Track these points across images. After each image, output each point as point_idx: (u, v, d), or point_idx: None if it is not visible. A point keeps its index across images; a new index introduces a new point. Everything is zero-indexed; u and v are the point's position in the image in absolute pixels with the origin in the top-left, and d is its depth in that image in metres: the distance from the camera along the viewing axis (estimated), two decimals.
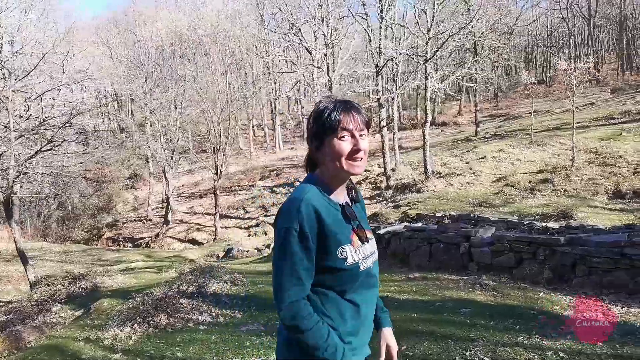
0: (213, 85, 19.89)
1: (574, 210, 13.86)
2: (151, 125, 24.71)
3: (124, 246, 23.75)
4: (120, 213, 29.50)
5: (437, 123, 39.17)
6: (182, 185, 33.21)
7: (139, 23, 35.43)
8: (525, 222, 11.48)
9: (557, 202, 15.18)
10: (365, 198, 19.25)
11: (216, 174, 20.91)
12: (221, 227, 23.31)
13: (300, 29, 24.54)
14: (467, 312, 4.78)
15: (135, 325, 5.57)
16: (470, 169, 19.62)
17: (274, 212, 25.01)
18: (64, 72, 20.18)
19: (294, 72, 24.22)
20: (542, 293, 5.36)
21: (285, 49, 28.79)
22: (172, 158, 22.67)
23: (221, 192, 28.41)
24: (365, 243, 1.65)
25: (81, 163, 28.33)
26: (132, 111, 40.38)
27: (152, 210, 27.05)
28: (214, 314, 5.77)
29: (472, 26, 17.78)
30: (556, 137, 21.26)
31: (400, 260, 7.49)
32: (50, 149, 18.53)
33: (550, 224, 11.00)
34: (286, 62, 31.99)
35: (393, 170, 22.38)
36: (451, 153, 23.17)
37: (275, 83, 36.95)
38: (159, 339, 5.17)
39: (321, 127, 1.54)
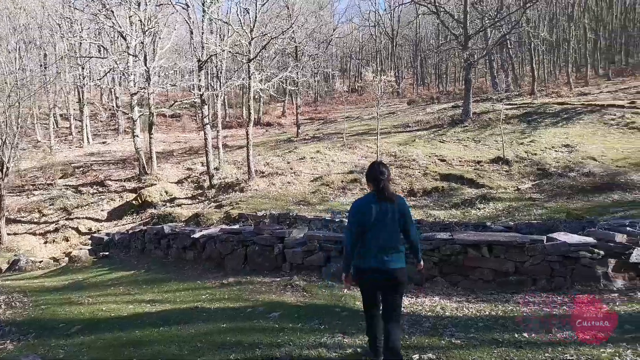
0: None
1: None
2: None
3: None
4: None
5: (262, 123, 39.83)
6: None
7: None
8: (337, 220, 12.39)
9: None
10: (186, 198, 18.23)
11: (1, 171, 17.46)
12: (8, 234, 19.63)
13: (113, 12, 22.21)
14: (276, 316, 4.77)
15: None
16: (291, 169, 20.38)
17: (79, 214, 22.07)
18: None
19: (104, 58, 21.74)
20: (346, 290, 5.69)
21: (95, 32, 25.68)
22: None
23: (10, 193, 24.00)
24: None
25: None
26: None
27: None
28: None
29: (292, 31, 18.44)
30: (364, 141, 23.54)
31: (216, 265, 7.22)
32: None
33: None
34: (98, 47, 28.74)
35: (217, 169, 21.90)
36: (274, 153, 23.76)
37: (83, 69, 32.73)
38: None
39: None
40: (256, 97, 42.68)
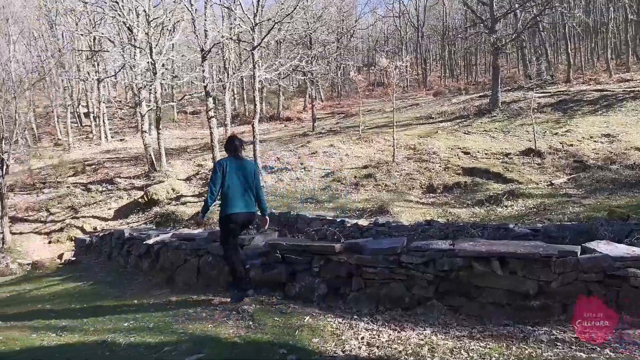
0: None
1: (391, 205, 13.96)
2: None
3: None
4: None
5: (282, 118, 38.72)
6: None
7: None
8: (338, 220, 10.98)
9: (378, 197, 15.28)
10: (193, 195, 17.23)
11: (1, 168, 16.88)
12: (15, 233, 19.15)
13: (117, 2, 21.41)
14: None
15: None
16: (302, 163, 19.10)
17: (86, 212, 21.46)
18: None
19: (106, 51, 20.98)
20: (308, 317, 4.32)
21: (100, 25, 25.02)
22: None
23: (20, 191, 23.71)
24: None
25: None
26: None
27: None
28: None
29: (294, 15, 17.03)
30: (382, 134, 21.98)
31: (167, 278, 5.97)
32: None
33: (361, 221, 10.63)
34: (108, 40, 28.12)
35: None
36: (286, 147, 22.51)
37: (98, 65, 32.38)
38: None
39: None
40: (277, 91, 41.91)
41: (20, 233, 19.39)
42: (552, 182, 14.72)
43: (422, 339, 3.90)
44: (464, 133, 21.20)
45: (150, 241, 6.35)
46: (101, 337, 4.17)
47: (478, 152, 18.46)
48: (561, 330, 3.93)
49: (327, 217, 11.33)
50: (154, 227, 14.23)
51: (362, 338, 3.94)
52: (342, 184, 16.89)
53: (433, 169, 17.33)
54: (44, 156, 29.61)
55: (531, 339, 3.81)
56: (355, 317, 4.43)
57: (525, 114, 20.77)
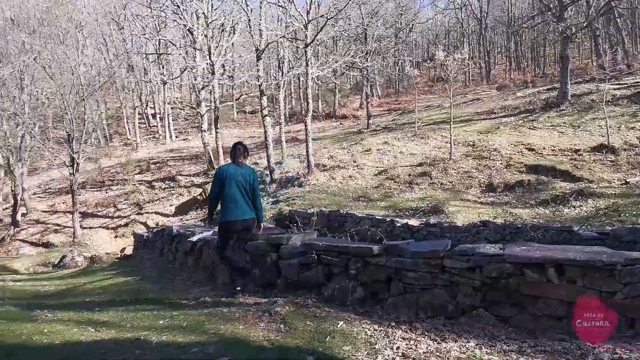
0: (65, 62, 16.93)
1: (446, 204, 13.41)
2: None
3: None
4: None
5: (338, 115, 38.66)
6: (52, 180, 29.16)
7: None
8: (387, 220, 10.65)
9: (433, 196, 14.74)
10: None
11: (72, 166, 18.02)
12: (84, 228, 20.42)
13: (179, 6, 22.24)
14: None
15: None
16: (354, 161, 18.83)
17: (149, 209, 22.49)
18: None
19: (168, 54, 21.78)
20: (342, 322, 4.11)
21: (165, 28, 26.07)
22: (20, 147, 19.26)
23: (91, 188, 25.30)
24: None
25: None
26: None
27: (4, 209, 23.15)
28: None
29: (348, 11, 16.73)
30: (439, 130, 21.21)
31: (208, 277, 5.98)
32: None
33: (412, 221, 10.23)
34: (171, 43, 29.28)
35: (279, 163, 21.03)
36: (340, 145, 22.33)
37: (163, 67, 33.89)
38: None
39: None
40: (333, 89, 41.85)
41: (90, 228, 20.64)
42: (627, 180, 13.44)
43: (464, 352, 3.57)
44: (529, 128, 19.96)
45: (194, 238, 6.40)
46: (135, 335, 4.19)
47: (544, 148, 17.29)
48: (626, 349, 3.45)
49: (377, 217, 11.02)
50: (203, 224, 14.58)
51: (398, 348, 3.67)
52: (395, 182, 16.44)
53: (493, 166, 16.44)
54: (113, 155, 31.45)
55: (590, 358, 3.38)
56: (392, 324, 4.15)
57: (598, 107, 19.20)
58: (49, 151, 19.77)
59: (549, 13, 23.04)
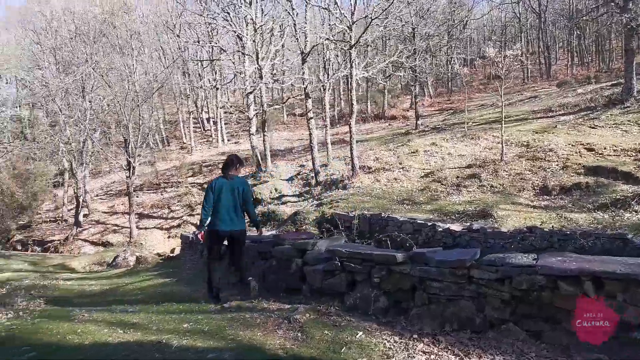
0: (121, 70, 17.88)
1: (495, 208, 12.86)
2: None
3: (33, 250, 21.51)
4: (38, 213, 27.00)
5: (387, 116, 38.20)
6: (113, 182, 30.88)
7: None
8: (429, 224, 10.33)
9: (481, 199, 14.18)
10: (294, 195, 17.62)
11: (128, 169, 18.95)
12: (140, 228, 21.42)
13: (229, 13, 22.83)
14: None
15: None
16: (400, 163, 18.47)
17: (200, 211, 23.32)
18: None
19: (217, 60, 22.38)
20: (362, 333, 3.98)
21: (217, 35, 26.87)
22: (82, 153, 20.51)
23: (147, 190, 26.48)
24: None
25: None
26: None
27: (69, 210, 24.76)
28: None
29: (393, 10, 16.43)
30: (491, 130, 20.38)
31: (239, 280, 6.03)
32: None
33: (454, 226, 9.86)
34: (221, 49, 30.13)
35: (325, 165, 21.04)
36: (386, 147, 22.00)
37: (216, 73, 34.98)
38: None
39: None
40: (383, 89, 41.37)
41: (145, 228, 21.61)
42: None
43: None
44: (589, 127, 18.72)
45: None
46: (158, 338, 4.29)
47: (605, 148, 16.15)
48: None
49: (418, 221, 10.72)
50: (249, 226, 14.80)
51: None
52: (442, 184, 15.95)
53: (548, 167, 15.55)
54: (169, 158, 32.80)
55: None
56: (414, 336, 3.98)
57: None
58: (108, 155, 20.87)
59: (612, 4, 21.53)
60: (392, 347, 3.77)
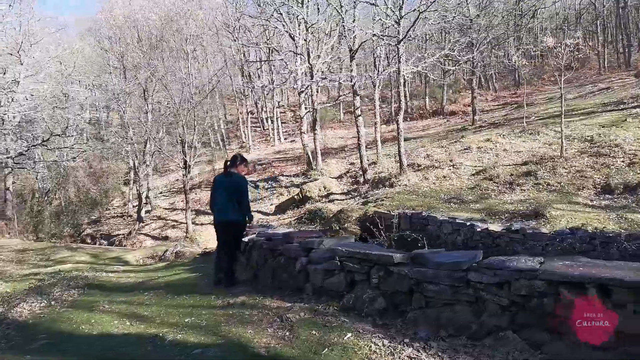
0: (176, 73, 18.75)
1: (549, 207, 12.07)
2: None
3: (100, 243, 23.11)
4: (107, 209, 29.02)
5: (446, 112, 37.03)
6: (176, 180, 32.44)
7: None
8: (467, 224, 9.87)
9: (535, 198, 13.37)
10: (342, 193, 17.63)
11: (185, 168, 19.81)
12: (197, 224, 22.32)
13: (282, 13, 23.16)
14: None
15: None
16: (451, 160, 17.82)
17: (253, 208, 23.86)
18: (21, 64, 19.58)
19: (268, 60, 22.77)
20: (351, 334, 3.86)
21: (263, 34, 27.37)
22: (144, 153, 21.75)
23: (205, 187, 27.51)
24: None
25: (74, 158, 27.97)
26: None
27: (133, 206, 26.33)
28: None
29: (444, 3, 15.81)
30: (553, 125, 19.09)
31: (253, 277, 6.10)
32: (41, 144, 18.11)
33: (493, 226, 9.35)
34: (275, 50, 30.64)
35: (374, 163, 20.80)
36: (439, 144, 21.33)
37: (272, 74, 35.64)
38: None
39: None
40: (442, 85, 40.10)
41: (201, 224, 22.46)
42: None
43: None
44: None
45: (246, 238, 6.59)
46: (158, 331, 4.42)
47: None
48: None
49: (458, 220, 10.27)
50: (296, 223, 14.89)
51: None
52: (494, 182, 15.19)
53: (613, 164, 14.32)
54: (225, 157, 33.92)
55: None
56: (406, 340, 3.80)
57: None
58: (168, 155, 21.97)
59: None
60: (377, 350, 3.63)
